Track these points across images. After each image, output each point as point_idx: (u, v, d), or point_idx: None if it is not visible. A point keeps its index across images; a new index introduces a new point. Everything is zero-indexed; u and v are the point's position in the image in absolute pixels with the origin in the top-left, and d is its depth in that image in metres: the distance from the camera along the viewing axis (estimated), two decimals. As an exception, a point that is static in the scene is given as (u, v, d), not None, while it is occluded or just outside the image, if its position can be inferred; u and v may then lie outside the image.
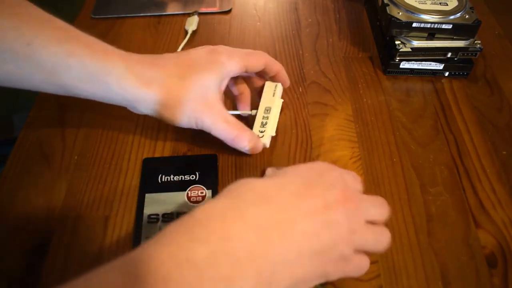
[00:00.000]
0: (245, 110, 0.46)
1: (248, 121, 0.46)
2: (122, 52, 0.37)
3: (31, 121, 0.48)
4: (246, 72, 0.43)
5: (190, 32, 0.58)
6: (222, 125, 0.40)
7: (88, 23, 0.60)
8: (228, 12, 0.62)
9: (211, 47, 0.41)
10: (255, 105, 0.46)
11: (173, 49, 0.57)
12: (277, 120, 0.45)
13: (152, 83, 0.37)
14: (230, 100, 0.50)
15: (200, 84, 0.38)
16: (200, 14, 0.62)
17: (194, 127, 0.40)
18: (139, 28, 0.60)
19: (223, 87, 0.42)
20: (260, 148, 0.42)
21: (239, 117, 0.44)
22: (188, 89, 0.38)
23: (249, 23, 0.61)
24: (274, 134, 0.44)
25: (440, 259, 0.38)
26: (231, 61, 0.40)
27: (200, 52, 0.40)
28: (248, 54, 0.42)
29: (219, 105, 0.40)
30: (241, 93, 0.47)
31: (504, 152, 0.46)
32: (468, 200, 0.42)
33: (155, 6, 0.63)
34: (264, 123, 0.44)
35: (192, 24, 0.59)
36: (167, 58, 0.39)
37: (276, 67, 0.44)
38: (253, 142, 0.41)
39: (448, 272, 0.37)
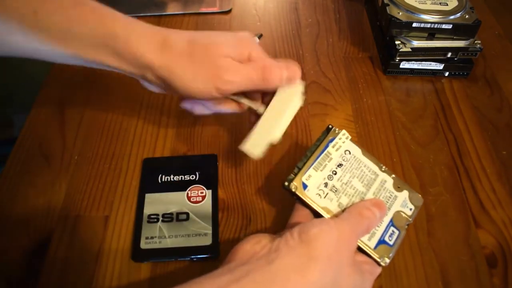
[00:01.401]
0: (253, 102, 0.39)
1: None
2: (131, 18, 0.36)
3: (31, 121, 0.48)
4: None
5: None
6: (246, 67, 0.35)
7: (88, 23, 0.60)
8: (228, 12, 0.62)
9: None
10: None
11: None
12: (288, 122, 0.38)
13: (162, 45, 0.34)
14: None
15: (214, 40, 0.35)
16: (200, 14, 0.62)
17: (212, 90, 0.35)
18: (139, 28, 0.60)
19: (243, 58, 0.36)
20: (299, 73, 0.37)
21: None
22: (206, 46, 0.35)
23: (249, 23, 0.61)
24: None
25: (440, 259, 0.38)
26: (253, 43, 0.37)
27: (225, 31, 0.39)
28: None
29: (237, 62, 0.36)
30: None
31: (504, 152, 0.46)
32: (468, 200, 0.42)
33: (155, 6, 0.63)
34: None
35: None
36: (181, 31, 0.37)
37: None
38: (287, 67, 0.36)
39: (448, 272, 0.37)
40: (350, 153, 0.38)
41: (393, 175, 0.38)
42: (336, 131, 0.38)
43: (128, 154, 0.46)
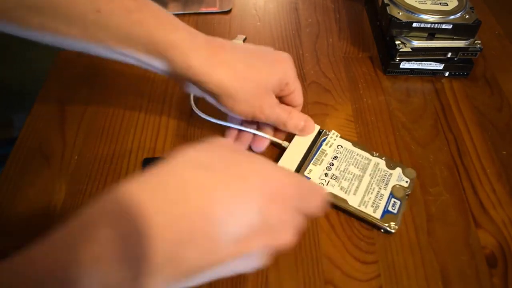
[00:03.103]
0: (276, 138, 0.44)
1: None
2: (189, 28, 0.37)
3: (31, 121, 0.48)
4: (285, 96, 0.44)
5: None
6: (279, 108, 0.42)
7: (88, 23, 0.60)
8: (228, 12, 0.62)
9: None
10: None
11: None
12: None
13: (218, 65, 0.37)
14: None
15: (263, 75, 0.40)
16: (200, 14, 0.62)
17: (250, 113, 0.40)
18: (139, 28, 0.60)
19: (277, 90, 0.42)
20: (312, 129, 0.44)
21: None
22: (253, 74, 0.39)
23: (249, 23, 0.61)
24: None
25: (440, 259, 0.38)
26: (292, 70, 0.43)
27: (267, 48, 0.42)
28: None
29: (274, 96, 0.42)
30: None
31: (504, 152, 0.46)
32: (468, 200, 0.42)
33: (155, 6, 0.63)
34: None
35: None
36: (233, 44, 0.40)
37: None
38: (305, 120, 0.44)
39: (448, 272, 0.37)
40: (342, 147, 0.44)
41: (384, 157, 0.43)
42: (327, 133, 0.45)
43: (128, 154, 0.46)
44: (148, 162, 0.45)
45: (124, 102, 0.50)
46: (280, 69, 0.41)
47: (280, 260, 0.38)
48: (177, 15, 0.61)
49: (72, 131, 0.47)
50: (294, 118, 0.43)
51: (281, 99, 0.44)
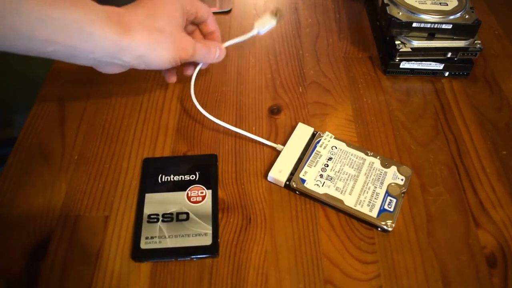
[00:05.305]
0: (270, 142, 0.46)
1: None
2: (97, 4, 0.37)
3: (31, 121, 0.48)
4: (195, 19, 0.45)
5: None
6: (201, 44, 0.43)
7: (88, 23, 0.60)
8: (228, 12, 0.62)
9: None
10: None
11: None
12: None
13: (135, 29, 0.37)
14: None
15: (172, 17, 0.41)
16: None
17: (178, 61, 0.41)
18: (139, 28, 0.60)
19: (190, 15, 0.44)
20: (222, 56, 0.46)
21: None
22: (166, 25, 0.40)
23: (249, 23, 0.61)
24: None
25: (440, 259, 0.38)
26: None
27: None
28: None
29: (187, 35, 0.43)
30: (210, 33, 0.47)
31: (504, 152, 0.46)
32: (468, 200, 0.42)
33: (155, 6, 0.63)
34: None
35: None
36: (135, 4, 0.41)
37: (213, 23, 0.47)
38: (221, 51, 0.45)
39: (448, 272, 0.38)
40: (336, 148, 0.45)
41: (379, 156, 0.44)
42: (321, 134, 0.45)
43: (128, 154, 0.46)
44: (148, 162, 0.45)
45: (124, 102, 0.50)
46: (177, 4, 0.42)
47: (280, 260, 0.38)
48: (177, 15, 0.61)
49: (72, 131, 0.47)
50: (213, 48, 0.44)
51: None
